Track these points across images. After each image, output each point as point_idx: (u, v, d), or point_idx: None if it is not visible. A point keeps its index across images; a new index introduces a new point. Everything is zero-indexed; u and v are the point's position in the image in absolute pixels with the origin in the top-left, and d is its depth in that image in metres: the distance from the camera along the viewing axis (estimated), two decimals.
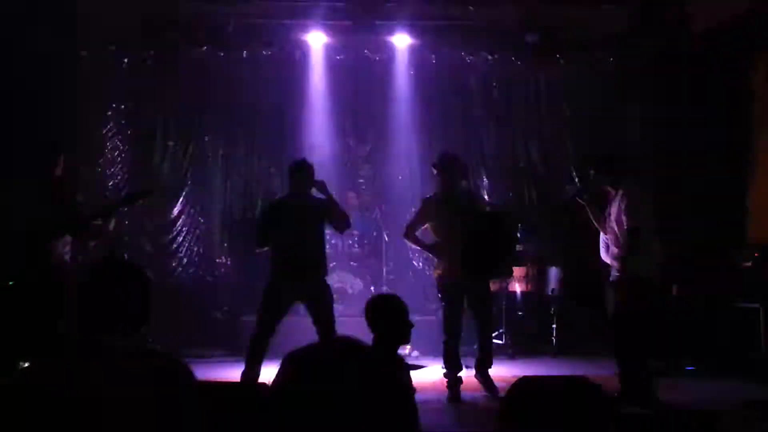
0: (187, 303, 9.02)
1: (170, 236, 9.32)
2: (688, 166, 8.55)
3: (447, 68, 9.56)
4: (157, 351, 2.37)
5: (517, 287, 8.70)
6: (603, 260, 6.19)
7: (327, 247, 9.32)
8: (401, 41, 9.20)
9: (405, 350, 7.66)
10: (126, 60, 9.07)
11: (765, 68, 8.36)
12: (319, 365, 1.49)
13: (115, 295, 2.38)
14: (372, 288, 9.30)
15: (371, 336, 3.95)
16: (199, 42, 9.05)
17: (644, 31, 8.71)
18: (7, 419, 2.12)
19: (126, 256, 8.65)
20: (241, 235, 9.02)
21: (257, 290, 6.28)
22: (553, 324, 8.61)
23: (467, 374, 6.33)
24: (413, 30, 9.05)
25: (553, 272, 8.70)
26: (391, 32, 9.09)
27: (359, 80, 9.60)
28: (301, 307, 6.34)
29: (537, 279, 8.80)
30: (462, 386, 6.19)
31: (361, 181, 9.84)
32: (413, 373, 4.59)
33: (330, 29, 9.05)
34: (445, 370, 6.23)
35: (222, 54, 9.17)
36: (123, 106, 9.17)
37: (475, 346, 6.47)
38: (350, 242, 9.42)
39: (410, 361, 7.36)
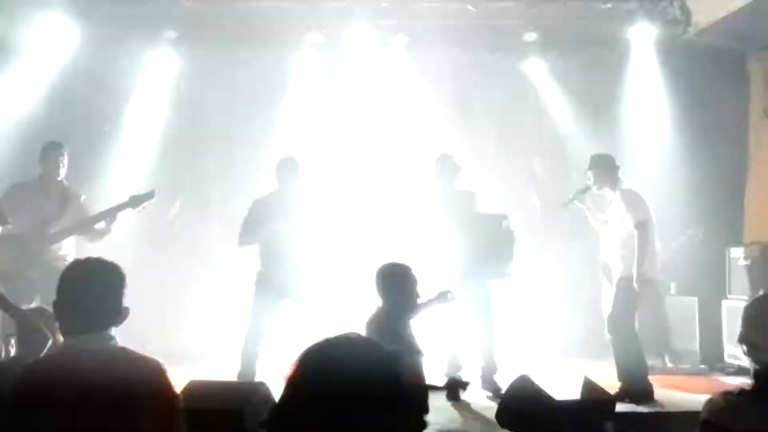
0: (185, 302, 9.02)
1: (168, 235, 9.31)
2: (687, 164, 8.56)
3: (445, 67, 9.55)
4: (130, 350, 2.35)
5: (515, 287, 8.70)
6: (604, 260, 6.22)
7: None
8: (399, 41, 9.19)
9: None
10: (124, 59, 9.06)
11: (762, 66, 8.38)
12: (334, 360, 1.47)
13: (90, 294, 2.36)
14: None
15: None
16: (198, 40, 9.04)
17: (645, 27, 8.71)
18: None
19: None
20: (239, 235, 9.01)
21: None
22: (552, 322, 8.64)
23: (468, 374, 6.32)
24: (411, 29, 9.04)
25: (552, 271, 8.72)
26: (390, 31, 9.08)
27: (357, 80, 9.58)
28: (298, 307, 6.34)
29: (535, 278, 8.82)
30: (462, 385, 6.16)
31: (361, 178, 9.81)
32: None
33: (328, 27, 9.04)
34: (445, 370, 6.23)
35: (220, 53, 9.15)
36: (120, 105, 9.17)
37: (479, 353, 6.39)
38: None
39: None
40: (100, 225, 5.89)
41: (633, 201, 5.97)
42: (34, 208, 5.79)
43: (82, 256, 2.68)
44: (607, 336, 6.36)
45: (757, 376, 2.24)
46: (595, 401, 4.62)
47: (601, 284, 8.64)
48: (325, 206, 6.18)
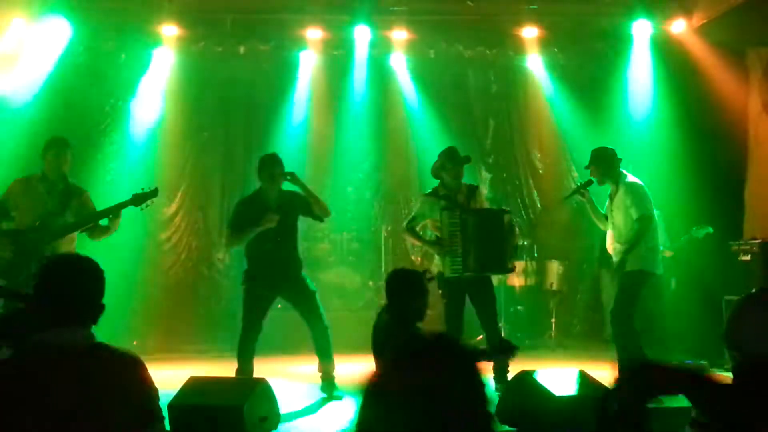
0: (185, 299, 9.05)
1: (168, 232, 9.33)
2: (687, 159, 8.56)
3: (445, 63, 9.55)
4: (107, 345, 2.35)
5: (516, 281, 8.72)
6: (608, 252, 6.23)
7: (326, 242, 9.44)
8: (399, 36, 9.18)
9: None
10: (124, 55, 9.06)
11: (762, 62, 8.38)
12: (419, 360, 1.53)
13: (67, 290, 2.36)
14: (370, 283, 9.31)
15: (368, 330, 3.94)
16: (198, 38, 9.03)
17: (645, 23, 8.71)
18: None
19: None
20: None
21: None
22: (551, 318, 8.65)
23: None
24: (411, 25, 9.03)
25: (552, 267, 8.73)
26: (389, 27, 9.07)
27: (356, 76, 9.57)
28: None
29: (536, 273, 8.84)
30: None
31: (360, 176, 9.83)
32: None
33: (328, 24, 9.03)
34: None
35: (220, 49, 9.15)
36: (120, 102, 9.18)
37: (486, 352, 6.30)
38: (348, 237, 9.43)
39: None
40: (103, 222, 5.89)
41: (638, 195, 5.98)
42: (36, 203, 5.79)
43: (83, 252, 2.68)
44: (609, 331, 6.36)
45: (737, 372, 2.26)
46: (594, 396, 4.62)
47: (599, 276, 8.68)
48: (308, 204, 6.12)
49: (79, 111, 8.74)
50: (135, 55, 9.02)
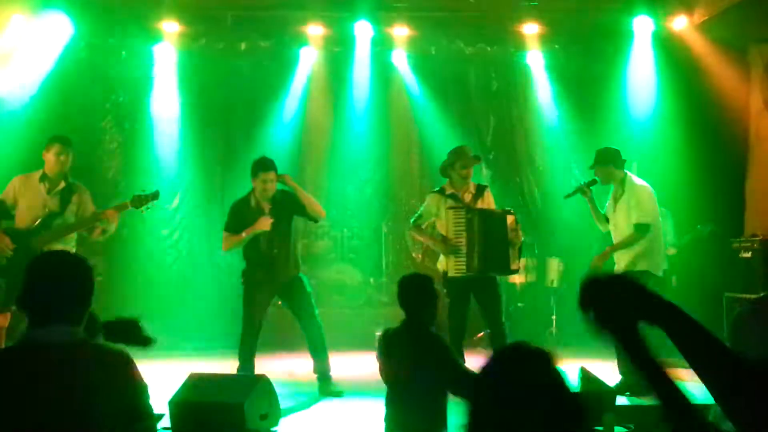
0: (186, 296, 9.04)
1: (169, 229, 9.33)
2: (688, 155, 8.55)
3: (446, 60, 9.54)
4: (96, 343, 2.35)
5: (517, 279, 8.72)
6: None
7: (326, 239, 9.44)
8: (400, 32, 9.16)
9: None
10: (125, 52, 9.06)
11: (764, 58, 8.36)
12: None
13: (55, 287, 2.36)
14: (370, 280, 9.31)
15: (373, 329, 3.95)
16: (198, 34, 9.02)
17: (646, 19, 8.69)
18: None
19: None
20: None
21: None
22: (552, 315, 8.65)
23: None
24: (412, 21, 9.02)
25: (553, 264, 8.73)
26: (390, 24, 9.06)
27: (357, 72, 9.56)
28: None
29: (536, 270, 8.83)
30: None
31: (361, 173, 9.82)
32: None
33: (328, 20, 9.02)
34: None
35: (221, 46, 9.14)
36: (120, 99, 9.17)
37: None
38: (349, 234, 9.43)
39: None
40: (103, 221, 5.87)
41: (642, 200, 5.94)
42: (37, 202, 5.79)
43: (83, 250, 2.68)
44: None
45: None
46: (594, 394, 4.63)
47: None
48: (302, 206, 6.11)
49: (79, 108, 8.74)
50: (136, 52, 9.02)
